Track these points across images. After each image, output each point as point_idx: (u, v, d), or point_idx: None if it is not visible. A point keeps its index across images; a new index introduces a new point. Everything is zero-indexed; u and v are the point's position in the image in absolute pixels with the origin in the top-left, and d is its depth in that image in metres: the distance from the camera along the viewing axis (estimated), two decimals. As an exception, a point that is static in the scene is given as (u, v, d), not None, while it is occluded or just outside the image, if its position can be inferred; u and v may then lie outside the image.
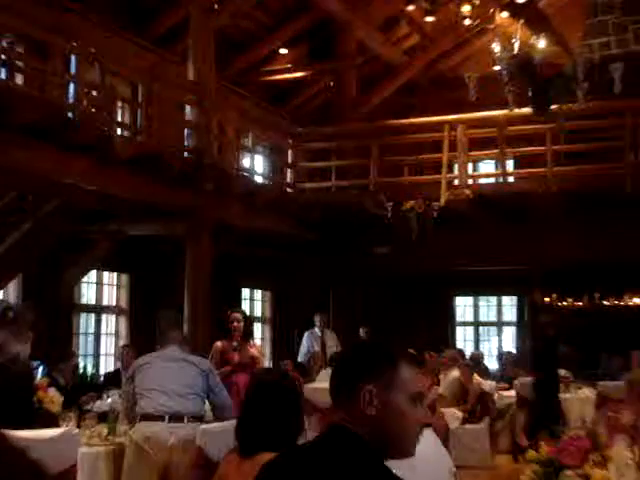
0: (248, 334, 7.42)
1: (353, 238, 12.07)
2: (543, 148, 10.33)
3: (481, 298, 14.87)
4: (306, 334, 10.96)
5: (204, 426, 4.87)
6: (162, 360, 5.36)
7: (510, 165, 12.25)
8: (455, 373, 9.72)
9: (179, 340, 5.57)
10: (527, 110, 8.46)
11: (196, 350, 8.73)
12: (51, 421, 4.95)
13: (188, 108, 9.69)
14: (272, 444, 2.77)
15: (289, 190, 11.70)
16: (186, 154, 9.54)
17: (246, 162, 11.40)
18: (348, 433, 1.83)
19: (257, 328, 13.35)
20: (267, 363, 13.02)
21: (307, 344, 10.92)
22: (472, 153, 10.90)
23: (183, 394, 5.20)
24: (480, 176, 12.24)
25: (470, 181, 10.85)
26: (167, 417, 5.08)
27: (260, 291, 13.83)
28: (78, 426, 5.47)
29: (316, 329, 11.02)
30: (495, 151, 10.81)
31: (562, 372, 9.69)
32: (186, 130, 9.76)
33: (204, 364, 5.49)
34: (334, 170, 11.90)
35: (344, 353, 2.03)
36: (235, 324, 7.37)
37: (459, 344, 14.17)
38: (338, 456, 1.79)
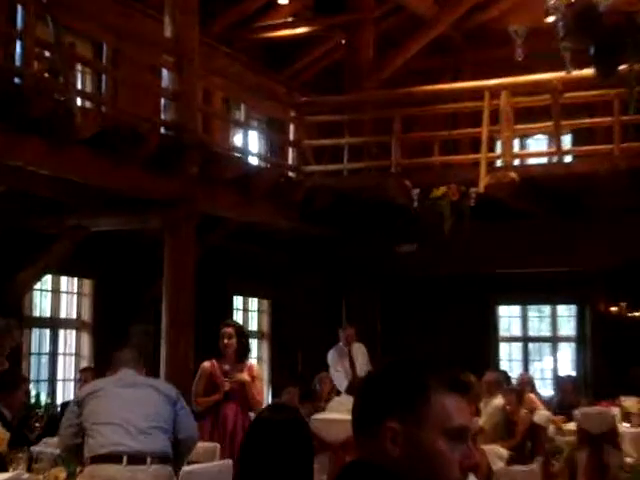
0: (243, 353, 7.40)
1: (371, 234, 12.07)
2: (609, 119, 10.26)
3: (531, 307, 14.80)
4: (331, 352, 10.92)
5: (187, 468, 4.84)
6: (117, 386, 5.30)
7: (567, 141, 12.19)
8: (499, 401, 9.65)
9: (135, 361, 5.57)
10: (589, 72, 8.38)
11: (176, 374, 8.71)
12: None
13: (165, 72, 9.64)
14: None
15: (291, 174, 11.69)
16: (163, 130, 9.49)
17: (238, 140, 11.34)
18: (373, 469, 1.81)
19: (252, 346, 13.32)
20: (265, 391, 12.98)
21: (332, 363, 10.88)
22: (519, 126, 10.86)
23: (145, 429, 5.13)
24: (529, 155, 12.22)
25: (516, 162, 10.84)
26: (125, 458, 5.00)
27: (256, 300, 13.81)
28: (29, 470, 5.42)
29: (341, 344, 10.97)
30: (548, 124, 10.75)
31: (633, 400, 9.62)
32: (163, 100, 9.70)
33: (170, 390, 5.47)
34: (347, 149, 11.88)
35: (366, 378, 1.97)
36: (226, 341, 7.35)
37: (503, 364, 14.14)
38: None
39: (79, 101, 8.53)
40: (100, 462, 5.03)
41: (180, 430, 5.27)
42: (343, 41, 13.78)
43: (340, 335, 11.04)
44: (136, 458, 5.02)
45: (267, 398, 12.03)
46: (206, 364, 7.28)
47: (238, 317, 13.09)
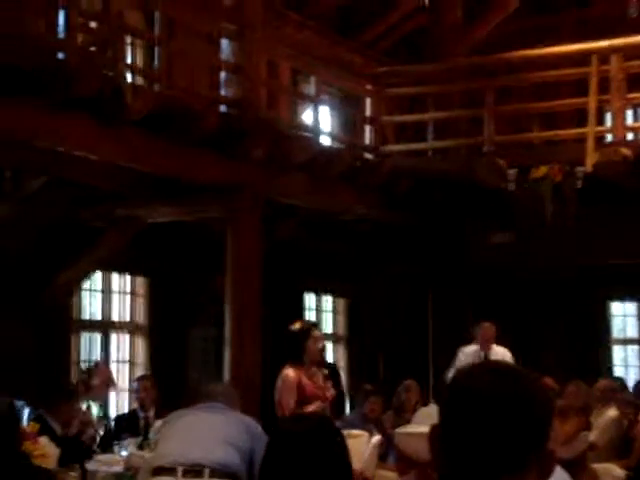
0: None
1: (460, 222, 11.98)
2: None
3: (649, 305, 14.57)
4: (460, 354, 10.63)
5: None
6: (195, 409, 5.51)
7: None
8: (613, 412, 9.50)
9: (225, 396, 5.73)
10: None
11: (241, 383, 8.76)
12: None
13: (225, 43, 9.68)
14: None
15: (368, 156, 11.66)
16: (223, 108, 9.54)
17: (308, 117, 11.34)
18: None
19: (327, 349, 13.36)
20: (344, 402, 12.99)
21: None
22: (632, 95, 10.66)
23: (208, 440, 5.22)
24: (644, 128, 11.97)
25: (630, 136, 10.66)
26: (180, 470, 5.09)
27: (330, 298, 13.83)
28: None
29: (473, 346, 10.75)
30: (667, 91, 10.54)
31: None
32: (223, 74, 9.75)
33: (254, 426, 5.53)
34: (432, 125, 11.80)
35: (497, 396, 1.88)
36: (321, 345, 7.46)
37: (618, 370, 13.96)
38: None
39: (129, 77, 8.63)
40: (155, 475, 5.17)
41: (256, 457, 5.32)
42: (426, 2, 13.68)
43: (475, 334, 10.76)
44: (192, 471, 5.10)
45: (346, 409, 12.04)
46: (291, 373, 7.26)
47: (310, 318, 13.12)
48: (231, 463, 5.23)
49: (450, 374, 9.83)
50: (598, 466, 8.94)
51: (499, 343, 10.55)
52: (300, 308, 12.89)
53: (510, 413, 1.82)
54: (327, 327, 13.69)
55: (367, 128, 12.01)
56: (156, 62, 8.85)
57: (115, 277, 11.09)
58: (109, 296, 11.05)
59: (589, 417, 9.37)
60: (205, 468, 5.13)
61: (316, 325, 7.76)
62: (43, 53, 7.34)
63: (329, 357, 13.41)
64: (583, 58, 10.66)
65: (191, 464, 5.12)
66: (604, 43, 10.51)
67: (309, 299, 13.39)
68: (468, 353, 10.51)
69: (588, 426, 9.16)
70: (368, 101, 12.01)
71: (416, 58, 12.88)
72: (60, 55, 7.59)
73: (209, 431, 5.28)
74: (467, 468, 1.81)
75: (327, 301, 13.84)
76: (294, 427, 3.00)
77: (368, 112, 11.98)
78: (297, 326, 7.44)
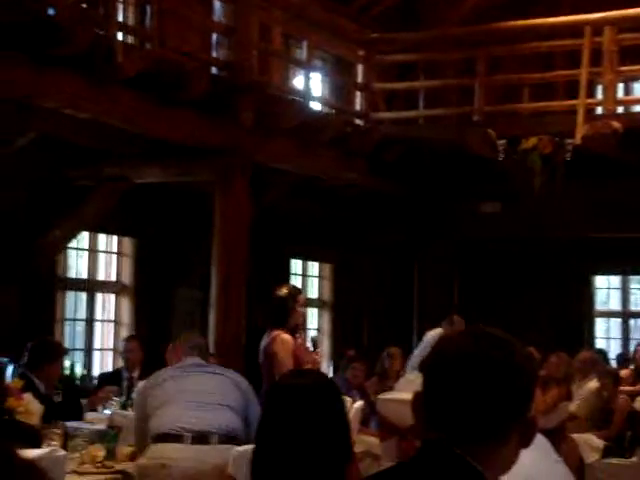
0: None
1: (449, 191, 11.99)
2: None
3: (633, 278, 14.62)
4: (426, 338, 10.52)
5: (238, 449, 4.90)
6: (182, 370, 5.54)
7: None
8: (594, 384, 9.57)
9: (200, 349, 5.81)
10: None
11: (226, 346, 8.77)
12: (27, 439, 4.99)
13: (217, 4, 9.61)
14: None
15: (359, 122, 11.62)
16: (215, 70, 9.48)
17: (299, 82, 11.28)
18: (455, 456, 1.80)
19: (311, 315, 13.38)
20: (327, 367, 13.05)
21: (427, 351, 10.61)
22: (624, 68, 10.64)
23: (209, 403, 5.27)
24: (635, 101, 11.97)
25: (620, 109, 10.69)
26: (190, 437, 5.15)
27: (317, 264, 13.83)
28: (64, 447, 5.51)
29: (439, 329, 10.68)
30: (659, 65, 10.52)
31: None
32: (214, 36, 9.69)
33: (240, 379, 5.62)
34: (422, 94, 11.76)
35: (476, 360, 1.88)
36: (304, 309, 7.47)
37: (600, 342, 14.03)
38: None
39: (120, 36, 8.56)
40: (160, 441, 5.19)
41: (251, 416, 5.36)
42: (420, -32, 13.60)
43: (446, 327, 10.65)
44: (200, 437, 5.17)
45: (329, 374, 12.08)
46: (288, 337, 7.25)
47: (296, 283, 13.12)
48: (234, 427, 5.30)
49: (414, 359, 9.81)
50: (578, 436, 9.04)
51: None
52: (286, 273, 12.89)
53: (493, 379, 1.82)
54: (312, 292, 13.71)
55: (358, 94, 11.97)
56: (148, 21, 8.79)
57: (102, 237, 11.06)
58: (95, 256, 11.03)
59: (570, 388, 9.48)
60: (213, 434, 5.18)
61: (300, 291, 7.74)
62: (33, 8, 7.28)
63: (314, 322, 13.47)
64: (576, 29, 10.61)
65: (198, 430, 5.17)
66: (598, 15, 10.46)
67: (295, 264, 13.39)
68: (435, 337, 10.45)
69: (569, 396, 9.26)
70: (360, 67, 11.96)
71: (409, 25, 12.81)
72: (50, 11, 7.51)
73: (209, 395, 5.33)
74: (450, 434, 1.82)
75: (313, 266, 13.85)
76: (296, 381, 3.01)
77: (359, 78, 11.94)
78: (285, 290, 7.43)
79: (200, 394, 5.33)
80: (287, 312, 7.32)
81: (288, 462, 2.83)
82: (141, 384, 5.69)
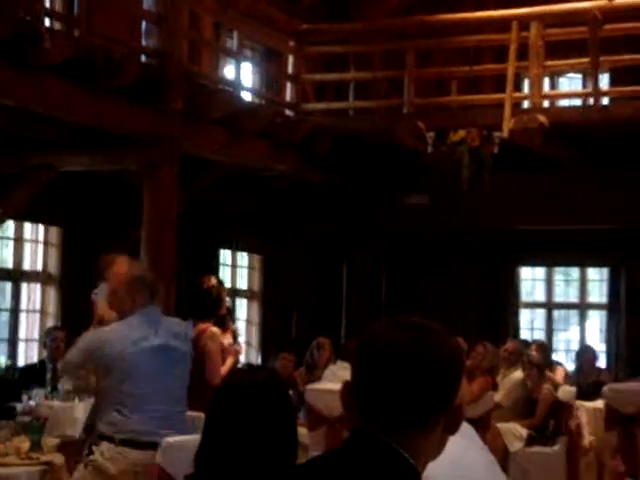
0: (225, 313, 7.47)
1: (378, 182, 12.03)
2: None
3: (557, 270, 14.78)
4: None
5: (168, 439, 4.87)
6: (151, 350, 5.19)
7: (605, 81, 12.09)
8: (518, 374, 9.69)
9: (151, 287, 5.45)
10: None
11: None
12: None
13: (147, -8, 9.51)
14: (248, 477, 2.75)
15: (289, 113, 11.61)
16: (144, 58, 9.39)
17: (229, 72, 11.22)
18: (383, 445, 1.80)
19: (241, 306, 13.36)
20: (255, 357, 13.02)
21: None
22: (550, 63, 10.76)
23: (179, 412, 5.27)
24: (560, 96, 12.12)
25: (546, 103, 10.75)
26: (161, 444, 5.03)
27: (246, 254, 13.79)
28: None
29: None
30: (583, 60, 10.64)
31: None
32: (144, 24, 9.58)
33: (187, 338, 5.53)
34: (353, 85, 11.78)
35: (405, 348, 1.87)
36: (227, 300, 7.46)
37: (524, 333, 14.14)
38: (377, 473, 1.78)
39: (47, 22, 8.44)
40: (136, 448, 5.02)
41: None
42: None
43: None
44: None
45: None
46: (217, 330, 7.21)
47: (225, 273, 13.07)
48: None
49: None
50: (502, 425, 9.16)
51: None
52: (215, 263, 12.83)
53: (422, 369, 1.82)
54: (242, 283, 13.67)
55: (288, 85, 11.95)
56: (75, 8, 8.68)
57: (27, 226, 10.90)
58: (21, 245, 10.87)
59: (495, 378, 9.60)
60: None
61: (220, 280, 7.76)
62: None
63: (243, 313, 13.44)
64: (504, 24, 10.70)
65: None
66: (524, 10, 10.57)
67: (224, 255, 13.34)
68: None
69: (494, 386, 9.37)
70: (290, 58, 11.94)
71: (339, 16, 12.81)
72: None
73: (176, 402, 5.26)
74: (378, 423, 1.81)
75: (243, 257, 13.80)
76: (249, 379, 2.99)
77: (290, 69, 11.91)
78: (214, 281, 7.40)
79: (170, 401, 5.20)
80: (217, 303, 7.29)
81: (236, 458, 2.83)
82: (99, 334, 5.29)
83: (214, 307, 7.33)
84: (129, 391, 5.09)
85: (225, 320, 7.50)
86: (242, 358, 9.69)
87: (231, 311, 8.04)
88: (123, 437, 5.01)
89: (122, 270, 5.47)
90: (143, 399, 5.11)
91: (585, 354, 11.35)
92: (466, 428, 2.83)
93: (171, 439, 4.91)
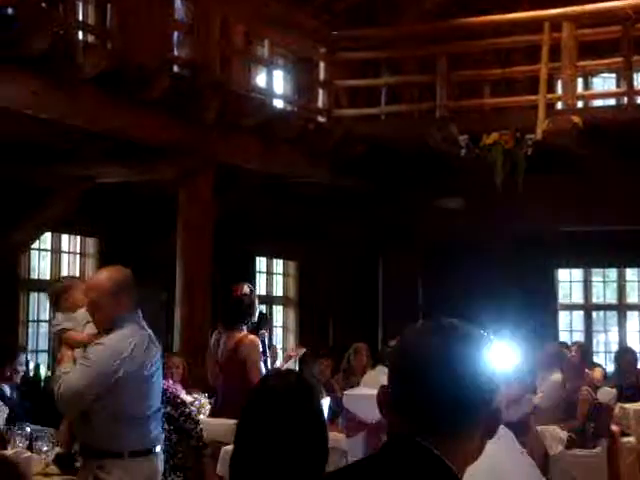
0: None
1: (411, 187, 12.00)
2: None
3: (595, 271, 14.71)
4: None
5: (226, 448, 4.65)
6: (147, 365, 4.80)
7: (639, 80, 12.01)
8: (557, 376, 9.62)
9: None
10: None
11: (190, 346, 8.75)
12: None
13: (178, 2, 9.56)
14: None
15: (321, 119, 11.63)
16: (176, 68, 9.44)
17: (261, 80, 11.26)
18: (421, 448, 1.81)
19: (277, 312, 13.38)
20: (292, 363, 13.02)
21: None
22: (583, 63, 10.72)
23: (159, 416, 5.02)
24: (594, 96, 12.04)
25: (580, 104, 10.73)
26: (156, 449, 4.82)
27: (281, 261, 13.82)
28: (29, 448, 5.48)
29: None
30: (617, 60, 10.62)
31: None
32: (176, 34, 9.63)
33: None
34: (384, 90, 11.77)
35: (442, 352, 1.88)
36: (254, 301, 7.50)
37: (563, 335, 14.07)
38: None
39: (81, 35, 8.50)
40: (140, 455, 4.70)
41: None
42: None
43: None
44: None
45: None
46: (255, 337, 7.29)
47: (261, 281, 13.11)
48: None
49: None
50: (542, 428, 9.10)
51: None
52: (251, 271, 12.87)
53: (457, 371, 1.82)
54: (278, 290, 13.70)
55: (320, 92, 11.97)
56: (108, 20, 8.73)
57: (65, 237, 10.99)
58: (59, 256, 10.96)
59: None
60: None
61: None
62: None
63: (279, 320, 13.47)
64: (536, 25, 10.67)
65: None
66: (556, 11, 10.53)
67: (260, 262, 13.37)
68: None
69: (534, 390, 9.32)
70: (321, 65, 11.96)
71: (369, 22, 12.83)
72: (9, 10, 7.45)
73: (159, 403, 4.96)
74: (416, 427, 1.82)
75: (278, 264, 13.83)
76: (280, 382, 3.01)
77: (321, 76, 11.94)
78: (247, 289, 7.45)
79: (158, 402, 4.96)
80: (249, 311, 7.34)
81: (267, 463, 2.84)
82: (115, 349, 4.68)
83: (246, 314, 7.37)
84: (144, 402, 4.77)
85: (258, 326, 7.56)
86: (278, 364, 9.74)
87: (264, 318, 8.04)
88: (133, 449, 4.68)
89: (98, 282, 4.89)
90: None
91: (625, 355, 11.25)
92: (505, 432, 2.83)
93: (229, 448, 4.81)
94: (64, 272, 10.97)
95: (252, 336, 7.23)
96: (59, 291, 5.39)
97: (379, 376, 9.04)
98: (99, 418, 4.61)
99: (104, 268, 5.19)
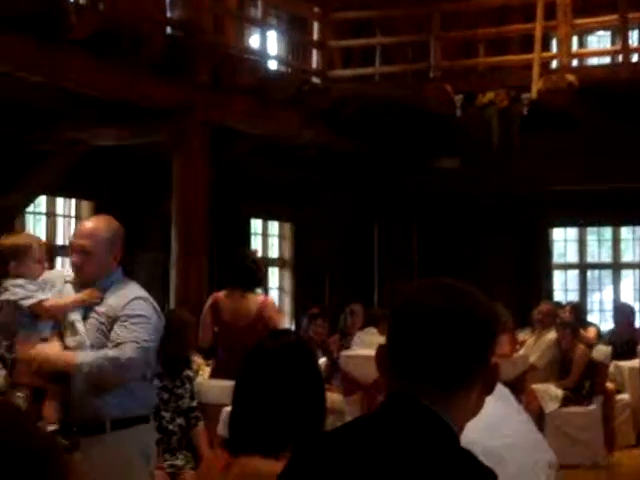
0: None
1: (407, 147, 11.99)
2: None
3: (590, 230, 14.72)
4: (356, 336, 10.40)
5: (227, 409, 4.66)
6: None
7: (634, 38, 11.96)
8: (552, 335, 9.68)
9: None
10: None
11: (186, 307, 8.75)
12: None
13: (170, -37, 9.49)
14: (273, 442, 2.76)
15: (316, 80, 11.57)
16: (169, 30, 9.39)
17: (254, 41, 11.19)
18: (420, 407, 1.81)
19: (272, 274, 13.39)
20: (288, 324, 13.06)
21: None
22: (578, 21, 10.65)
23: None
24: (590, 54, 12.01)
25: (575, 62, 10.71)
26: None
27: (276, 223, 13.82)
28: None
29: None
30: (612, 17, 10.56)
31: None
32: (168, -5, 9.57)
33: None
34: (379, 51, 11.72)
35: (441, 308, 1.88)
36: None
37: (558, 295, 14.11)
38: (418, 437, 1.78)
39: (72, -4, 8.44)
40: (144, 422, 4.41)
41: None
42: None
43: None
44: None
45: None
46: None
47: (256, 243, 13.12)
48: None
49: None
50: (538, 386, 9.17)
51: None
52: (246, 233, 12.87)
53: (455, 328, 1.82)
54: (273, 252, 13.71)
55: (314, 52, 11.90)
56: (100, -18, 8.66)
57: (59, 200, 10.97)
58: (54, 219, 10.94)
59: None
60: None
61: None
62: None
63: (275, 282, 13.49)
64: (530, -16, 10.61)
65: None
66: (551, -32, 10.47)
67: (255, 224, 13.37)
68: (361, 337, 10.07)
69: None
70: (315, 25, 11.89)
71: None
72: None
73: None
74: (415, 385, 1.82)
75: (273, 226, 13.83)
76: (274, 343, 3.04)
77: (315, 36, 11.87)
78: (258, 252, 7.58)
79: None
80: (263, 273, 7.52)
81: (265, 422, 2.86)
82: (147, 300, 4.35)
83: (261, 277, 7.60)
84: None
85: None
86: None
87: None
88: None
89: (95, 229, 4.56)
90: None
91: (623, 310, 11.30)
92: (502, 390, 2.84)
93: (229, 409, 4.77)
94: (59, 236, 10.98)
95: (271, 298, 7.50)
96: (19, 250, 4.64)
97: (369, 337, 9.09)
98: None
99: (96, 216, 4.88)
